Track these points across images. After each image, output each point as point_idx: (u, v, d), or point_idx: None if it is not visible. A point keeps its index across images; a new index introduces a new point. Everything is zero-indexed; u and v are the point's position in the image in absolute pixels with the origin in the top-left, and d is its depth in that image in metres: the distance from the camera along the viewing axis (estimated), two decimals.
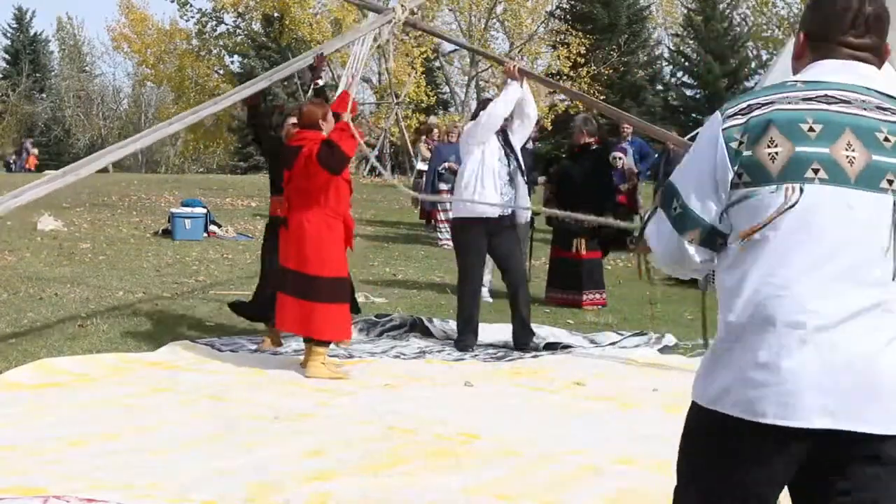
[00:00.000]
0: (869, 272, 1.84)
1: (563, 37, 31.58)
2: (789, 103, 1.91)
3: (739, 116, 1.92)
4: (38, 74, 43.34)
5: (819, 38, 2.01)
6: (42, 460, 4.07)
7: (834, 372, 1.81)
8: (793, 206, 1.84)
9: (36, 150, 34.86)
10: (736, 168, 1.89)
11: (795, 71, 2.05)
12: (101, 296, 8.14)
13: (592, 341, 6.90)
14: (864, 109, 1.89)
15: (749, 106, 1.93)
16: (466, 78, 35.75)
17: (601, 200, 8.32)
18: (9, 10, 46.57)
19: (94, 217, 14.31)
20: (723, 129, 1.93)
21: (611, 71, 30.72)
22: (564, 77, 30.86)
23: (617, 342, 6.77)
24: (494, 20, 34.31)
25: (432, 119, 27.03)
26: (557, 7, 33.80)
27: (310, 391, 5.37)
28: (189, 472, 3.95)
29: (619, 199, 10.64)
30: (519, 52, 34.38)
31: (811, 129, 1.87)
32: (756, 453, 1.88)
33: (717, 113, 1.97)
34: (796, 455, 1.87)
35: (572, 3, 33.06)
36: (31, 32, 44.14)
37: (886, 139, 1.87)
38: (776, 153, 1.87)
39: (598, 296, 8.57)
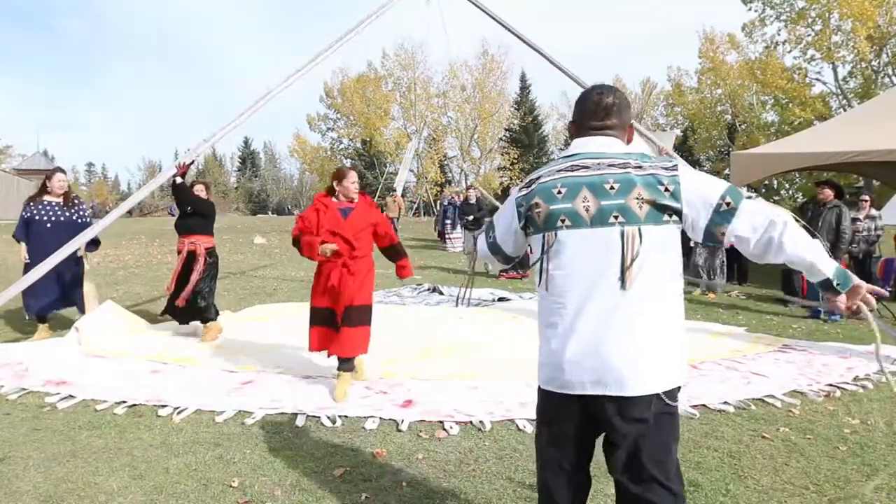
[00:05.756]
0: (608, 284, 2.41)
1: (506, 148, 52.69)
2: (549, 176, 2.50)
3: (525, 189, 2.54)
4: (254, 169, 74.66)
5: (579, 125, 2.61)
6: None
7: (587, 353, 2.40)
8: (551, 246, 2.44)
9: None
10: (522, 223, 2.53)
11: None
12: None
13: None
14: (598, 169, 2.43)
15: (531, 180, 2.53)
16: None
17: None
18: (240, 138, 79.11)
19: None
20: (515, 198, 2.57)
21: (530, 167, 48.39)
22: (507, 168, 50.78)
23: None
24: (473, 142, 55.20)
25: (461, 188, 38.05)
26: (506, 132, 54.82)
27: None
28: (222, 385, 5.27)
29: None
30: (487, 155, 55.11)
31: (559, 192, 2.44)
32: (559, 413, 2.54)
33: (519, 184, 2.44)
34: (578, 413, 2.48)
35: (510, 133, 54.24)
36: (251, 148, 77.42)
37: (612, 187, 2.39)
38: (539, 212, 2.47)
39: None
